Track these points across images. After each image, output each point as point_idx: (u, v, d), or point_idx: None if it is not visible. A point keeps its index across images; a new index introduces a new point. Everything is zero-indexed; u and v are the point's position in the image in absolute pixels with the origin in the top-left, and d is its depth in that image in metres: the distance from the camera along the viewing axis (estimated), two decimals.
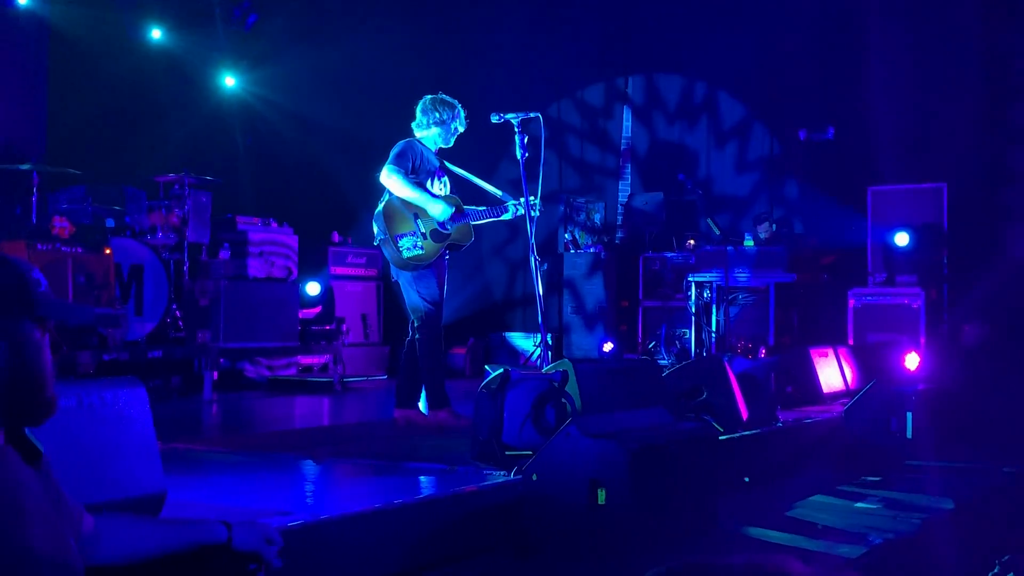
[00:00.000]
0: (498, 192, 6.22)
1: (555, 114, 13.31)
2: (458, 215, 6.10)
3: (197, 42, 12.05)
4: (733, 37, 12.21)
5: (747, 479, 4.46)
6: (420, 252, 6.02)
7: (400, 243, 6.01)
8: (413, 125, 6.31)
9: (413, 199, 6.01)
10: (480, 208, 6.25)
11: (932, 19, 10.90)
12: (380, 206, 6.13)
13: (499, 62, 12.76)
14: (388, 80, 12.85)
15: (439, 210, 6.01)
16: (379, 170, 6.07)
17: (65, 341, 7.31)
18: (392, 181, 6.00)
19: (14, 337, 1.91)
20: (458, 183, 6.45)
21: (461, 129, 6.29)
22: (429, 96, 6.29)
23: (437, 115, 6.20)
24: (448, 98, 6.28)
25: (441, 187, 6.25)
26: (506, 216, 6.20)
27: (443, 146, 6.30)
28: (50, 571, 1.83)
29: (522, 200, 6.03)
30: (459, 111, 6.27)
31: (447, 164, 6.36)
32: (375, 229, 6.13)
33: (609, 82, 13.35)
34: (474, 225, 6.26)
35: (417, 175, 6.07)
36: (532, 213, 5.96)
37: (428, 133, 6.24)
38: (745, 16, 12.13)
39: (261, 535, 2.42)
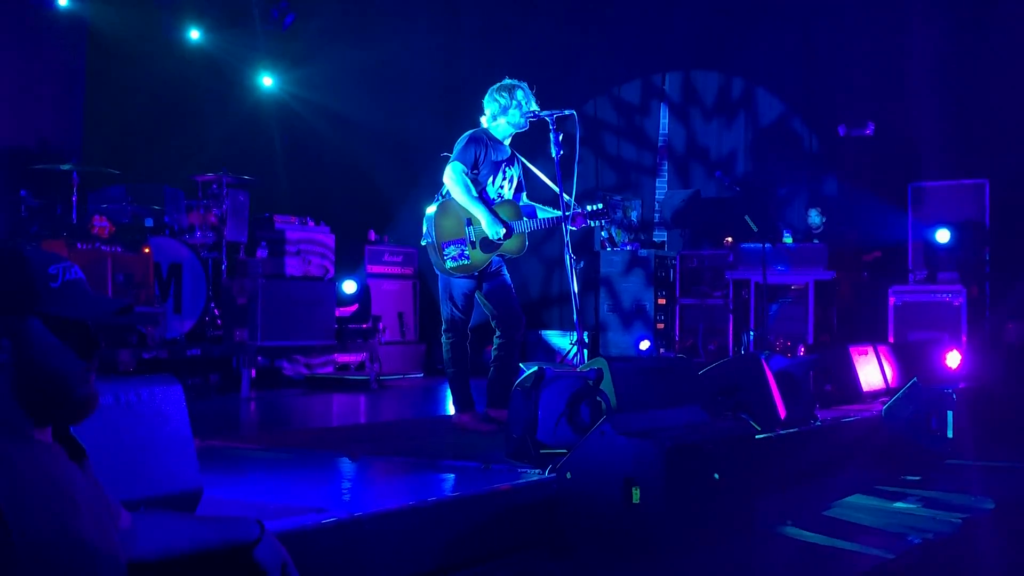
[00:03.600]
0: (565, 196, 5.81)
1: (591, 111, 13.27)
2: (506, 236, 5.88)
3: (235, 42, 12.13)
4: (771, 33, 12.11)
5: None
6: (465, 262, 5.88)
7: (446, 251, 5.87)
8: (483, 119, 6.11)
9: (467, 207, 5.87)
10: (537, 217, 6.04)
11: (975, 12, 10.76)
12: (435, 205, 5.97)
13: (535, 60, 12.72)
14: (424, 79, 12.89)
15: (491, 229, 5.83)
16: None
17: (104, 338, 7.31)
18: (452, 182, 5.86)
19: (17, 335, 1.84)
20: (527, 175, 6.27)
21: (531, 107, 6.00)
22: (493, 87, 6.07)
23: (503, 102, 5.98)
24: (509, 81, 6.05)
25: (506, 182, 6.06)
26: (557, 225, 5.92)
27: (518, 131, 6.07)
28: (101, 562, 1.85)
29: (590, 209, 5.92)
30: (521, 90, 6.01)
31: (517, 155, 6.17)
32: (424, 229, 5.99)
33: (646, 79, 13.30)
34: (529, 233, 6.04)
35: (480, 170, 5.93)
36: (569, 223, 5.87)
37: (498, 123, 6.03)
38: (783, 11, 12.03)
39: (281, 561, 2.31)
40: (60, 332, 1.89)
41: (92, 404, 1.95)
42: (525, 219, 6.02)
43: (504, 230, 5.87)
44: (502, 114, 6.01)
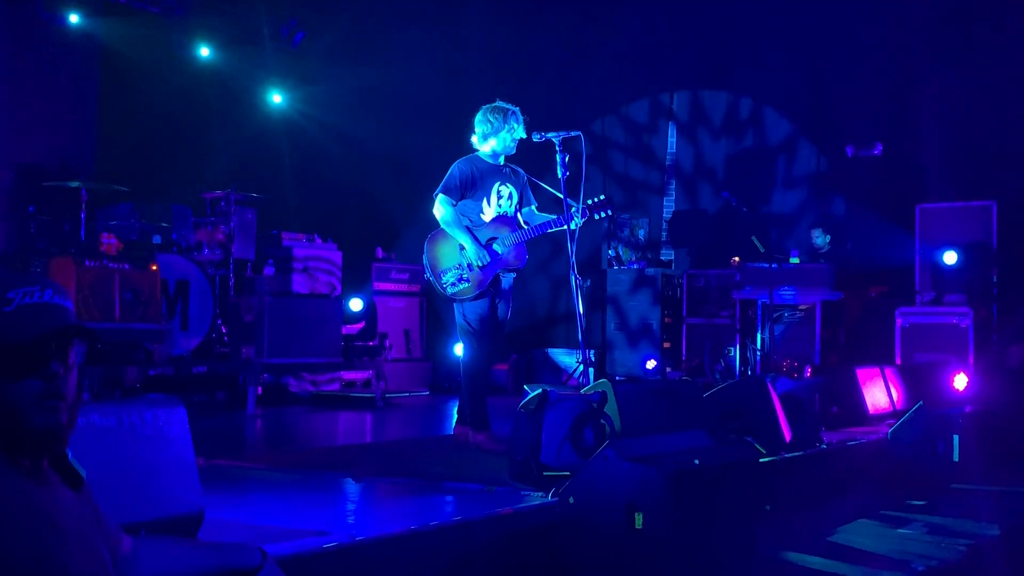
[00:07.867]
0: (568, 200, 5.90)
1: (599, 130, 13.31)
2: (492, 255, 5.92)
3: (245, 60, 12.19)
4: (780, 53, 12.14)
5: (768, 507, 4.41)
6: (466, 285, 5.92)
7: (444, 279, 5.95)
8: (473, 141, 6.16)
9: (454, 236, 5.95)
10: (524, 229, 6.05)
11: (982, 33, 10.76)
12: (433, 234, 6.07)
13: (542, 79, 12.77)
14: (431, 99, 12.93)
15: (475, 256, 5.90)
16: (432, 193, 6.02)
17: (113, 358, 7.28)
18: (437, 214, 5.97)
19: None
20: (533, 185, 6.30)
21: (521, 132, 6.05)
22: (483, 107, 6.11)
23: (493, 124, 6.02)
24: (502, 104, 6.09)
25: (505, 200, 6.06)
26: (559, 227, 5.93)
27: (507, 153, 6.11)
28: None
29: (590, 200, 5.91)
30: (513, 114, 6.05)
31: (517, 169, 6.20)
32: (424, 261, 6.07)
33: (653, 98, 13.33)
34: (528, 241, 6.06)
35: (474, 192, 5.98)
36: (576, 220, 5.86)
37: (488, 146, 6.07)
38: (792, 32, 12.06)
39: None
40: (6, 359, 1.85)
41: (57, 434, 1.89)
42: (520, 230, 6.04)
43: (487, 259, 5.91)
44: (493, 135, 6.05)
